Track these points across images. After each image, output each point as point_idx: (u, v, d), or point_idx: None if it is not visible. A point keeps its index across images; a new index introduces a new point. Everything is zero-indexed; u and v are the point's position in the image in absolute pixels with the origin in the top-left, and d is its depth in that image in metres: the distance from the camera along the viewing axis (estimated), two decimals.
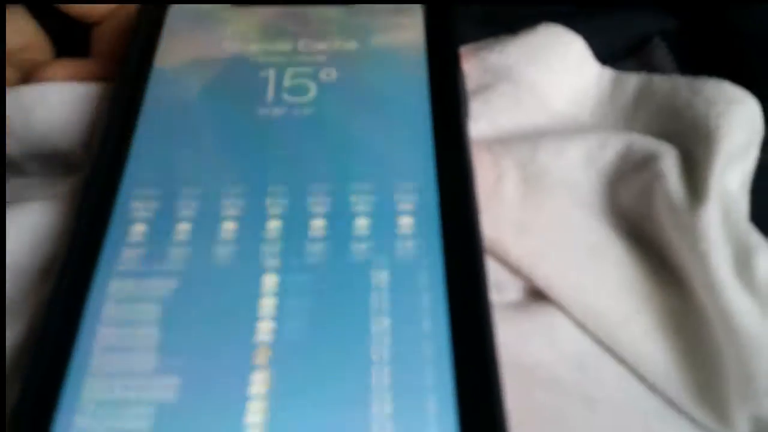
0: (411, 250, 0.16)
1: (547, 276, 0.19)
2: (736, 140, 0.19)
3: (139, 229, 0.17)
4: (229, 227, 0.17)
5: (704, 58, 0.24)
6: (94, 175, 0.18)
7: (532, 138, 0.21)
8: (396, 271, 0.16)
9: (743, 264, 0.18)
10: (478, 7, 0.25)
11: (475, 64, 0.23)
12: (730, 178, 0.19)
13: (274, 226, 0.17)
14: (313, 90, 0.20)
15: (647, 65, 0.24)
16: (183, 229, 0.17)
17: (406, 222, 0.17)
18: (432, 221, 0.17)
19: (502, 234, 0.19)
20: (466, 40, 0.25)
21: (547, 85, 0.23)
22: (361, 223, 0.17)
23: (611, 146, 0.20)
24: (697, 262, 0.18)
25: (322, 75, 0.21)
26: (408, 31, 0.22)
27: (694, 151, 0.20)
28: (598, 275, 0.19)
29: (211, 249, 0.17)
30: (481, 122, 0.21)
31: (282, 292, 0.16)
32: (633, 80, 0.22)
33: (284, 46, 0.22)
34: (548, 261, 0.19)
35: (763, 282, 0.18)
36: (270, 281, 0.16)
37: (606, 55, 0.24)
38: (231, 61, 0.21)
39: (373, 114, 0.20)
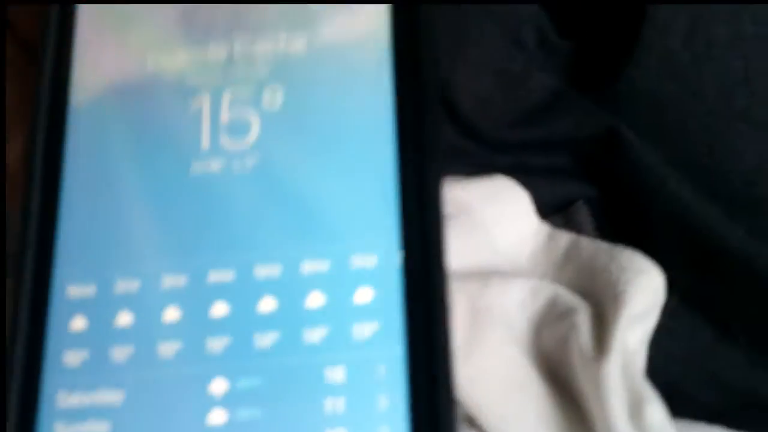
0: (370, 339, 0.15)
1: (478, 404, 0.22)
2: (639, 305, 0.23)
3: (77, 335, 0.16)
4: (172, 316, 0.16)
5: (620, 225, 0.29)
6: (22, 277, 0.16)
7: (481, 276, 0.24)
8: (352, 367, 0.14)
9: (636, 412, 0.21)
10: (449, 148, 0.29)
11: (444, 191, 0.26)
12: (631, 337, 0.23)
13: (220, 313, 0.16)
14: (255, 126, 0.17)
15: (570, 223, 0.28)
16: (124, 327, 0.16)
17: (364, 301, 0.15)
18: (394, 304, 0.15)
19: None
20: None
21: (497, 226, 0.26)
22: (315, 307, 0.15)
23: (542, 295, 0.24)
24: (598, 406, 0.21)
25: (266, 98, 0.17)
26: (371, 21, 0.18)
27: (604, 310, 0.23)
28: (520, 410, 0.22)
29: (154, 351, 0.15)
30: None
31: (231, 401, 0.15)
32: (564, 238, 0.27)
33: (217, 52, 0.18)
34: (480, 391, 0.22)
35: (651, 428, 0.21)
36: (218, 387, 0.15)
37: (537, 208, 0.28)
38: (156, 86, 0.18)
39: (327, 157, 0.16)
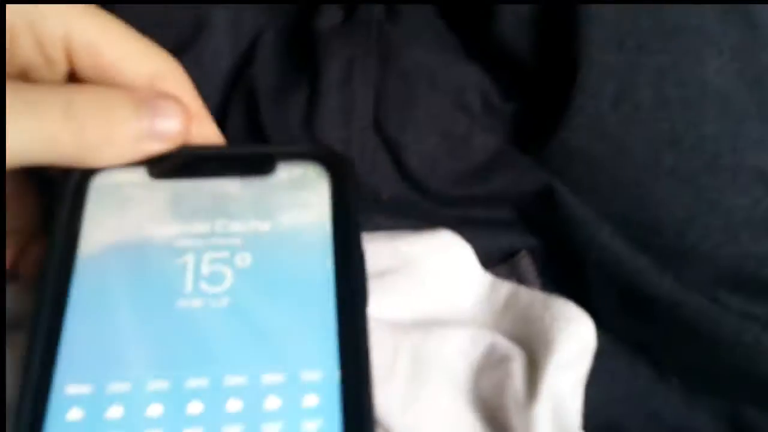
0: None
1: None
2: (568, 352, 0.25)
3: (73, 424, 0.19)
4: (155, 411, 0.19)
5: (560, 273, 0.30)
6: (28, 376, 0.20)
7: (425, 326, 0.26)
8: None
9: None
10: (392, 204, 0.31)
11: (387, 248, 0.28)
12: (561, 383, 0.24)
13: (195, 410, 0.20)
14: (229, 277, 0.22)
15: (515, 272, 0.30)
16: (114, 419, 0.19)
17: (311, 402, 0.20)
18: (334, 407, 0.19)
19: (391, 407, 0.24)
20: (378, 230, 0.31)
21: (440, 278, 0.28)
22: (272, 408, 0.19)
23: (481, 343, 0.25)
24: None
25: (237, 260, 0.22)
26: (316, 210, 0.24)
27: (537, 358, 0.25)
28: None
29: None
30: (385, 301, 0.26)
31: None
32: (505, 288, 0.28)
33: (202, 227, 0.23)
34: None
35: None
36: None
37: (482, 258, 0.30)
38: (151, 247, 0.22)
39: (284, 300, 0.21)
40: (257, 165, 0.25)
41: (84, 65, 0.23)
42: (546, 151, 0.30)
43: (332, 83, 0.31)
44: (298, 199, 0.24)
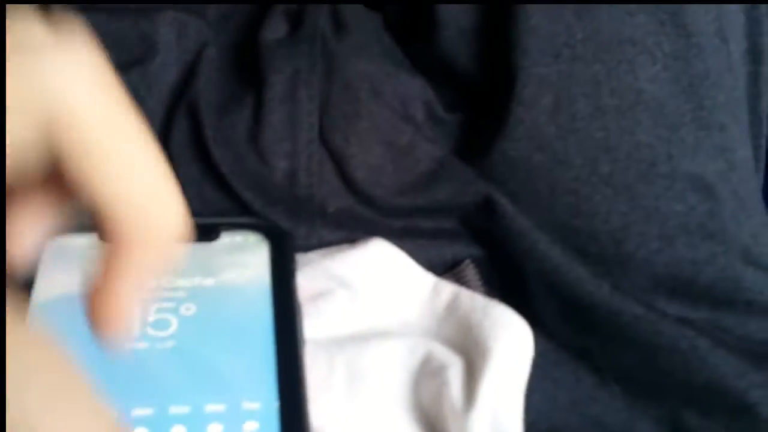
0: None
1: None
2: (505, 360, 0.25)
3: None
4: None
5: (503, 281, 0.31)
6: None
7: (362, 339, 0.26)
8: None
9: None
10: (334, 214, 0.31)
11: (320, 271, 0.28)
12: (500, 391, 0.25)
13: None
14: (174, 324, 0.24)
15: (460, 281, 0.31)
16: None
17: (251, 428, 0.21)
18: (273, 423, 0.21)
19: (326, 419, 0.24)
20: (322, 244, 0.31)
21: (376, 291, 0.28)
22: None
23: (417, 353, 0.26)
24: None
25: (182, 309, 0.25)
26: (256, 268, 0.26)
27: (475, 366, 0.25)
28: None
29: None
30: (322, 322, 0.26)
31: None
32: (447, 290, 0.29)
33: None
34: None
35: None
36: None
37: (428, 268, 0.30)
38: None
39: (227, 343, 0.24)
40: (203, 233, 0.28)
41: None
42: (488, 161, 0.30)
43: (277, 97, 0.31)
44: (240, 260, 0.27)
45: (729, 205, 0.30)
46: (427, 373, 0.26)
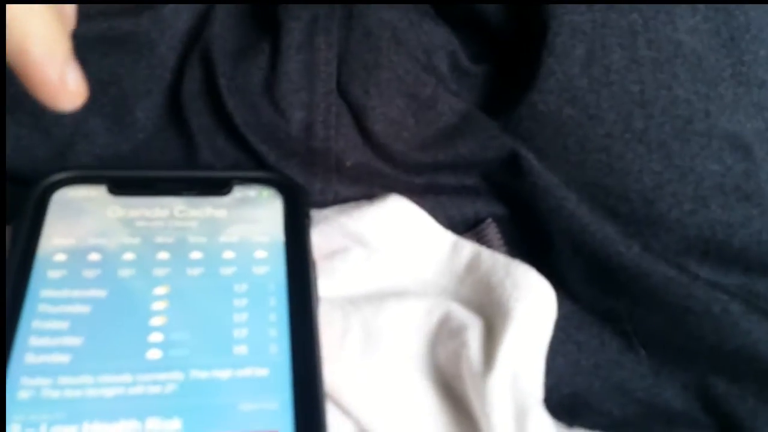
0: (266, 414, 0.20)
1: (371, 420, 0.22)
2: (527, 322, 0.24)
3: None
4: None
5: (526, 241, 0.29)
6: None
7: (379, 299, 0.25)
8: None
9: (521, 425, 0.22)
10: (351, 169, 0.29)
11: (336, 228, 0.26)
12: (520, 353, 0.23)
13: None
14: (183, 281, 0.23)
15: (481, 240, 0.29)
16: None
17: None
18: (285, 382, 0.20)
19: (339, 381, 0.23)
20: (338, 200, 0.29)
21: (394, 249, 0.27)
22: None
23: (435, 314, 0.24)
24: (484, 420, 0.22)
25: (192, 265, 0.23)
26: (269, 224, 0.25)
27: (495, 327, 0.24)
28: (415, 422, 0.22)
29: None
30: (337, 280, 0.25)
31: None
32: (467, 249, 0.27)
33: (159, 238, 0.24)
34: (374, 407, 0.22)
35: None
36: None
37: (448, 226, 0.29)
38: (104, 252, 0.23)
39: (237, 300, 0.23)
40: (215, 186, 0.27)
41: None
42: (515, 116, 0.28)
43: (294, 44, 0.29)
44: (253, 215, 0.25)
45: (766, 166, 0.28)
46: (445, 334, 0.24)
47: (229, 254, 0.23)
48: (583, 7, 0.27)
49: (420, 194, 0.29)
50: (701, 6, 0.28)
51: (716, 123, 0.28)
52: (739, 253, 0.28)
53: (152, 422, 0.19)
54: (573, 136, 0.28)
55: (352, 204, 0.28)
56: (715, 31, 0.28)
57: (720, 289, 0.26)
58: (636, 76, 0.28)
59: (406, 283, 0.26)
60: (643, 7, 0.27)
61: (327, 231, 0.26)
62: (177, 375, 0.20)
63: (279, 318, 0.22)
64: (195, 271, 0.23)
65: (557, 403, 0.25)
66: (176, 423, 0.19)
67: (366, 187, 0.29)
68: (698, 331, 0.26)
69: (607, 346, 0.28)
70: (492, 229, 0.29)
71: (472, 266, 0.27)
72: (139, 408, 0.19)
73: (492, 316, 0.24)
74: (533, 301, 0.24)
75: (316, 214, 0.27)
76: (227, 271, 0.23)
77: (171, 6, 0.31)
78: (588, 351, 0.28)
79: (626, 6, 0.27)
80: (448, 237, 0.28)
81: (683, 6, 0.27)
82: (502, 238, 0.29)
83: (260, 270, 0.23)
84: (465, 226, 0.29)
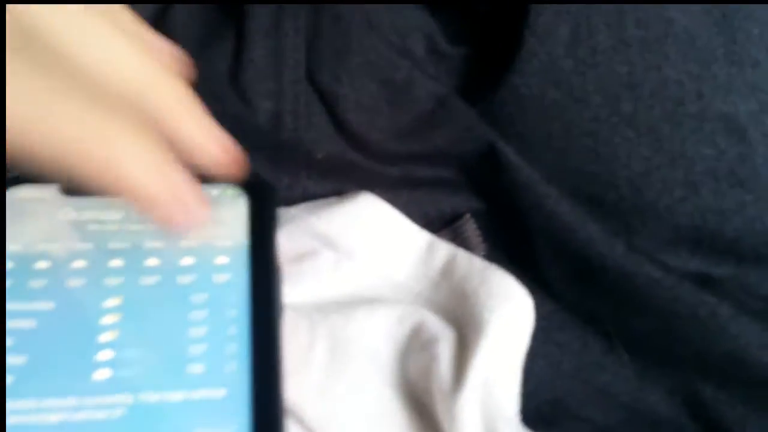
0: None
1: None
2: (501, 335, 0.22)
3: None
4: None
5: (506, 238, 0.28)
6: None
7: (349, 306, 0.23)
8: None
9: None
10: (322, 162, 0.28)
11: (304, 229, 0.25)
12: (493, 368, 0.21)
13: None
14: (136, 288, 0.21)
15: (458, 238, 0.27)
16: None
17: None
18: (243, 405, 0.19)
19: (303, 397, 0.21)
20: (307, 196, 0.27)
21: (366, 251, 0.25)
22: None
23: (407, 323, 0.23)
24: None
25: (148, 272, 0.21)
26: (233, 225, 0.23)
27: (468, 338, 0.22)
28: None
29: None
30: (304, 286, 0.23)
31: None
32: (443, 250, 0.25)
33: (111, 242, 0.22)
34: (340, 425, 0.21)
35: None
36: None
37: (423, 225, 0.27)
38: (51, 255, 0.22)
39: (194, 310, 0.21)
40: None
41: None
42: (496, 100, 0.27)
43: (259, 30, 0.27)
44: (215, 216, 0.23)
45: (761, 150, 0.27)
46: (417, 346, 0.22)
47: (187, 260, 0.22)
48: None
49: (395, 187, 0.27)
50: None
51: (709, 105, 0.26)
52: (731, 243, 0.26)
53: None
54: (557, 120, 0.26)
55: (321, 202, 0.26)
56: (707, 9, 0.26)
57: (708, 291, 0.25)
58: (624, 56, 0.26)
59: (378, 287, 0.24)
60: None
61: (294, 232, 0.24)
62: (126, 398, 0.18)
63: (239, 332, 0.20)
64: (150, 280, 0.21)
65: (536, 410, 0.24)
66: None
67: (337, 181, 0.27)
68: (685, 335, 0.25)
69: (590, 348, 0.27)
70: (470, 225, 0.27)
71: (447, 270, 0.25)
72: None
73: (465, 326, 0.23)
74: (508, 312, 0.22)
75: (283, 213, 0.25)
76: (185, 279, 0.21)
77: None
78: (570, 353, 0.26)
79: None
80: (422, 237, 0.26)
81: None
82: (481, 234, 0.27)
83: (221, 278, 0.21)
84: (442, 223, 0.28)
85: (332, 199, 0.26)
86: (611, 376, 0.26)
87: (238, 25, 0.28)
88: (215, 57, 0.28)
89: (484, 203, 0.28)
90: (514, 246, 0.27)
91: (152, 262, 0.21)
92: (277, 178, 0.27)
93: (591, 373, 0.26)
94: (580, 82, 0.26)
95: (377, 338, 0.22)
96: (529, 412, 0.23)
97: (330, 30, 0.27)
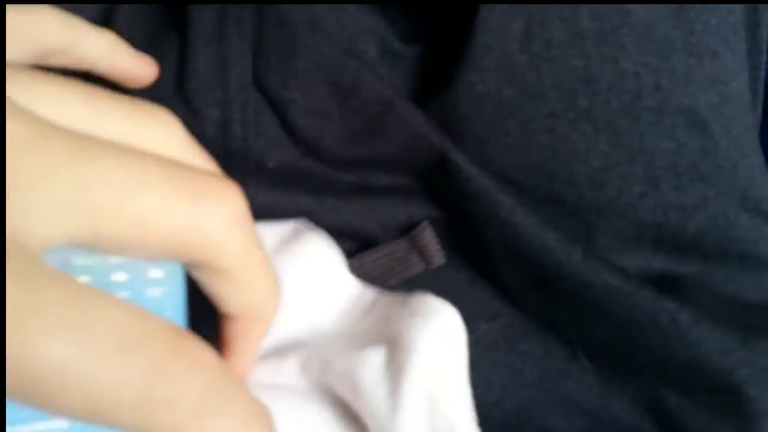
0: None
1: None
2: (432, 349, 0.21)
3: None
4: None
5: (464, 244, 0.27)
6: None
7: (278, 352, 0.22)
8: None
9: None
10: (273, 170, 0.27)
11: None
12: (434, 383, 0.20)
13: None
14: None
15: (416, 247, 0.26)
16: None
17: None
18: None
19: None
20: (254, 207, 0.26)
21: (299, 295, 0.24)
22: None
23: (315, 363, 0.22)
24: None
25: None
26: None
27: (398, 359, 0.21)
28: None
29: None
30: None
31: None
32: (369, 295, 0.24)
33: None
34: None
35: None
36: None
37: (379, 234, 0.26)
38: None
39: None
40: None
41: None
42: (452, 98, 0.26)
43: (203, 36, 0.26)
44: None
45: (722, 143, 0.26)
46: (334, 378, 0.21)
47: (119, 276, 0.20)
48: None
49: (350, 195, 0.26)
50: None
51: (668, 97, 0.25)
52: (694, 240, 0.25)
53: None
54: (514, 117, 0.25)
55: (271, 230, 0.25)
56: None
57: (668, 298, 0.24)
58: (579, 50, 0.25)
59: (300, 331, 0.23)
60: None
61: None
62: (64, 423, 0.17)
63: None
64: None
65: (500, 422, 0.23)
66: None
67: (289, 191, 0.26)
68: (646, 342, 0.24)
69: (553, 355, 0.26)
70: (428, 233, 0.26)
71: (371, 308, 0.24)
72: None
73: (393, 350, 0.21)
74: (436, 327, 0.21)
75: None
76: (118, 297, 0.20)
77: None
78: (532, 361, 0.25)
79: None
80: (354, 286, 0.25)
81: None
82: (439, 242, 0.27)
83: (155, 292, 0.20)
84: (398, 231, 0.27)
85: (285, 230, 0.25)
86: (574, 383, 0.25)
87: (181, 31, 0.27)
88: (160, 65, 0.26)
89: (441, 211, 0.27)
90: (474, 254, 0.26)
91: (83, 279, 0.20)
92: None
93: (554, 381, 0.25)
94: (535, 77, 0.25)
95: (292, 377, 0.21)
96: (493, 423, 0.22)
97: (274, 33, 0.26)
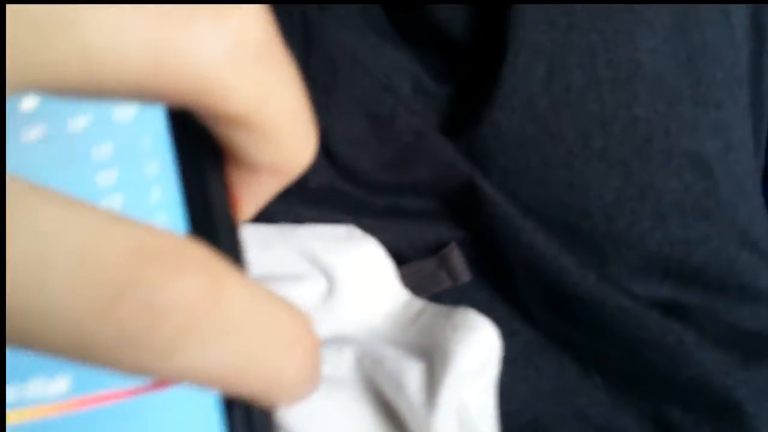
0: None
1: None
2: (468, 362, 0.23)
3: None
4: None
5: (489, 266, 0.29)
6: None
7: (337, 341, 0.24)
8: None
9: None
10: (314, 190, 0.29)
11: (300, 251, 0.26)
12: (466, 393, 0.22)
13: None
14: None
15: (444, 266, 0.29)
16: None
17: None
18: None
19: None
20: (299, 222, 0.29)
21: (353, 292, 0.26)
22: None
23: (368, 360, 0.24)
24: None
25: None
26: None
27: (436, 369, 0.23)
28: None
29: None
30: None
31: None
32: (416, 305, 0.27)
33: None
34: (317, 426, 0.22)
35: None
36: None
37: (410, 253, 0.28)
38: None
39: None
40: None
41: None
42: (478, 134, 0.28)
43: None
44: None
45: (725, 186, 0.28)
46: (384, 377, 0.24)
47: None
48: (543, 26, 0.27)
49: (383, 217, 0.28)
50: (659, 26, 0.28)
51: (676, 142, 0.28)
52: (698, 272, 0.27)
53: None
54: (535, 153, 0.28)
55: (324, 229, 0.27)
56: (674, 52, 0.28)
57: (674, 319, 0.26)
58: (596, 95, 0.27)
59: (354, 326, 0.25)
60: (603, 27, 0.27)
61: (287, 250, 0.25)
62: None
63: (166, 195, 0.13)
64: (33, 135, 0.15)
65: (517, 431, 0.25)
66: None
67: (328, 209, 0.28)
68: (653, 361, 0.26)
69: (567, 372, 0.28)
70: (455, 254, 0.29)
71: (417, 317, 0.26)
72: None
73: (434, 360, 0.24)
74: (474, 342, 0.23)
75: (286, 230, 0.27)
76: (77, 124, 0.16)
77: None
78: (548, 376, 0.27)
79: (586, 26, 0.27)
80: (403, 292, 0.27)
81: (643, 27, 0.27)
82: (465, 262, 0.29)
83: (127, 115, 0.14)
84: (427, 251, 0.29)
85: (340, 231, 0.27)
86: (586, 399, 0.27)
87: None
88: None
89: (466, 233, 0.29)
90: (497, 274, 0.28)
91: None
92: (272, 205, 0.28)
93: (568, 396, 0.27)
94: (555, 118, 0.27)
95: (349, 369, 0.23)
96: None
97: (319, 67, 0.29)
